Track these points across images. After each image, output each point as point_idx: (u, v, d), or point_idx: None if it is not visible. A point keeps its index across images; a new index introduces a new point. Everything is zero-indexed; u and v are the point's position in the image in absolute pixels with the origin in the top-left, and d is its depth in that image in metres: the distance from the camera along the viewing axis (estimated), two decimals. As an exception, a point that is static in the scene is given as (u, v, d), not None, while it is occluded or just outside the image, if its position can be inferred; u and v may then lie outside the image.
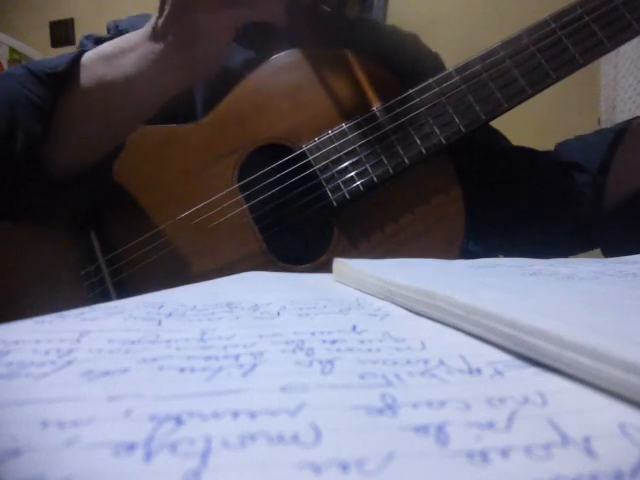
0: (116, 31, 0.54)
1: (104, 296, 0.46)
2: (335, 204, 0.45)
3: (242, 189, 0.47)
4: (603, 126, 1.17)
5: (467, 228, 0.45)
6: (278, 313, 0.18)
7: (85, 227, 0.47)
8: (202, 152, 0.48)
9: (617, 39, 0.44)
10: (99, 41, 0.52)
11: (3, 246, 0.48)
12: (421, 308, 0.18)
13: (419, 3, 1.28)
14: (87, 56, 0.43)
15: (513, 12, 1.23)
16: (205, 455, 0.08)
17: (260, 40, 0.55)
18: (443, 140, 0.45)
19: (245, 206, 0.46)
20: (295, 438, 0.09)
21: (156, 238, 0.46)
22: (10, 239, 0.48)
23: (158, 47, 0.41)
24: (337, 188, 0.45)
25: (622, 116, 1.12)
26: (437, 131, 0.45)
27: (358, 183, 0.45)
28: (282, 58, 0.49)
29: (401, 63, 0.50)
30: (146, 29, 0.42)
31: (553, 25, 0.45)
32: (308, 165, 0.46)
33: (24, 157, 0.41)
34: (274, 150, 0.47)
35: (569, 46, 0.44)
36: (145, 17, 0.57)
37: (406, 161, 0.45)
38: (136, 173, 0.48)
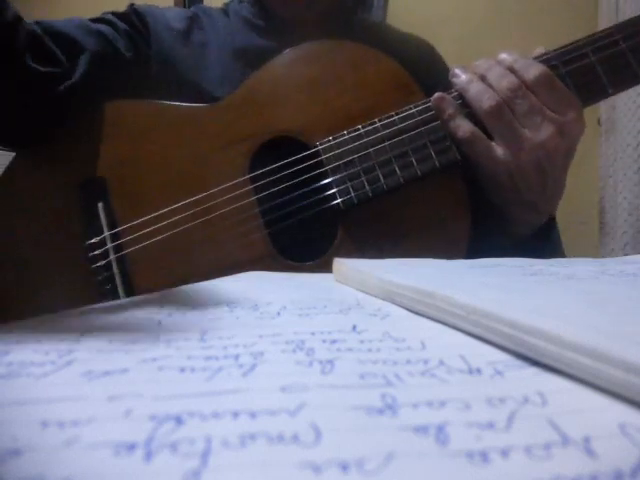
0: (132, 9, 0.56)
1: (106, 269, 0.45)
2: (342, 207, 0.45)
3: (252, 180, 0.46)
4: (603, 126, 1.17)
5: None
6: (278, 313, 0.18)
7: (93, 198, 0.47)
8: (215, 135, 0.47)
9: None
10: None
11: (4, 208, 0.48)
12: (421, 308, 0.18)
13: (419, 3, 1.28)
14: None
15: (513, 12, 1.22)
16: (205, 455, 0.08)
17: (282, 32, 0.55)
18: (458, 156, 0.44)
19: (253, 197, 0.46)
20: (295, 438, 0.09)
21: (161, 219, 0.45)
22: (12, 200, 0.48)
23: None
24: (346, 191, 0.45)
25: (622, 116, 1.12)
26: (454, 147, 0.44)
27: (367, 189, 0.44)
28: (306, 48, 0.48)
29: (417, 73, 0.49)
30: None
31: (587, 49, 0.43)
32: (320, 164, 0.45)
33: None
34: (287, 143, 0.46)
35: (601, 75, 0.43)
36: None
37: (418, 173, 0.44)
38: (147, 149, 0.48)
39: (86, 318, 0.18)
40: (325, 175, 0.45)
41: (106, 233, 0.46)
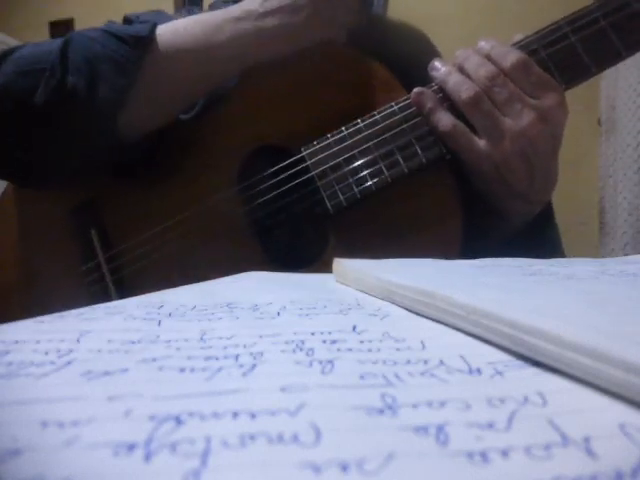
0: (138, 22, 0.55)
1: (104, 293, 0.46)
2: (332, 211, 0.44)
3: (241, 191, 0.46)
4: (603, 126, 1.17)
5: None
6: (278, 313, 0.18)
7: (85, 224, 0.47)
8: (204, 150, 0.48)
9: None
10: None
11: (5, 235, 0.49)
12: (421, 308, 0.18)
13: (419, 2, 1.29)
14: (161, 28, 0.45)
15: (513, 12, 1.23)
16: (205, 455, 0.08)
17: None
18: (444, 151, 0.44)
19: (244, 208, 0.46)
20: (295, 438, 0.09)
21: (156, 237, 0.46)
22: (13, 227, 0.49)
23: (273, 20, 0.46)
24: (334, 195, 0.44)
25: (622, 116, 1.12)
26: (439, 142, 0.43)
27: (355, 191, 0.44)
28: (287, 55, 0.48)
29: (409, 62, 0.49)
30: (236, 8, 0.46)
31: (567, 29, 0.43)
32: (307, 170, 0.45)
33: (105, 109, 0.42)
34: (275, 151, 0.46)
35: (583, 55, 0.42)
36: (159, 13, 0.58)
37: (405, 170, 0.44)
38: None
39: (86, 318, 0.18)
40: (313, 180, 0.45)
41: (100, 257, 0.46)
